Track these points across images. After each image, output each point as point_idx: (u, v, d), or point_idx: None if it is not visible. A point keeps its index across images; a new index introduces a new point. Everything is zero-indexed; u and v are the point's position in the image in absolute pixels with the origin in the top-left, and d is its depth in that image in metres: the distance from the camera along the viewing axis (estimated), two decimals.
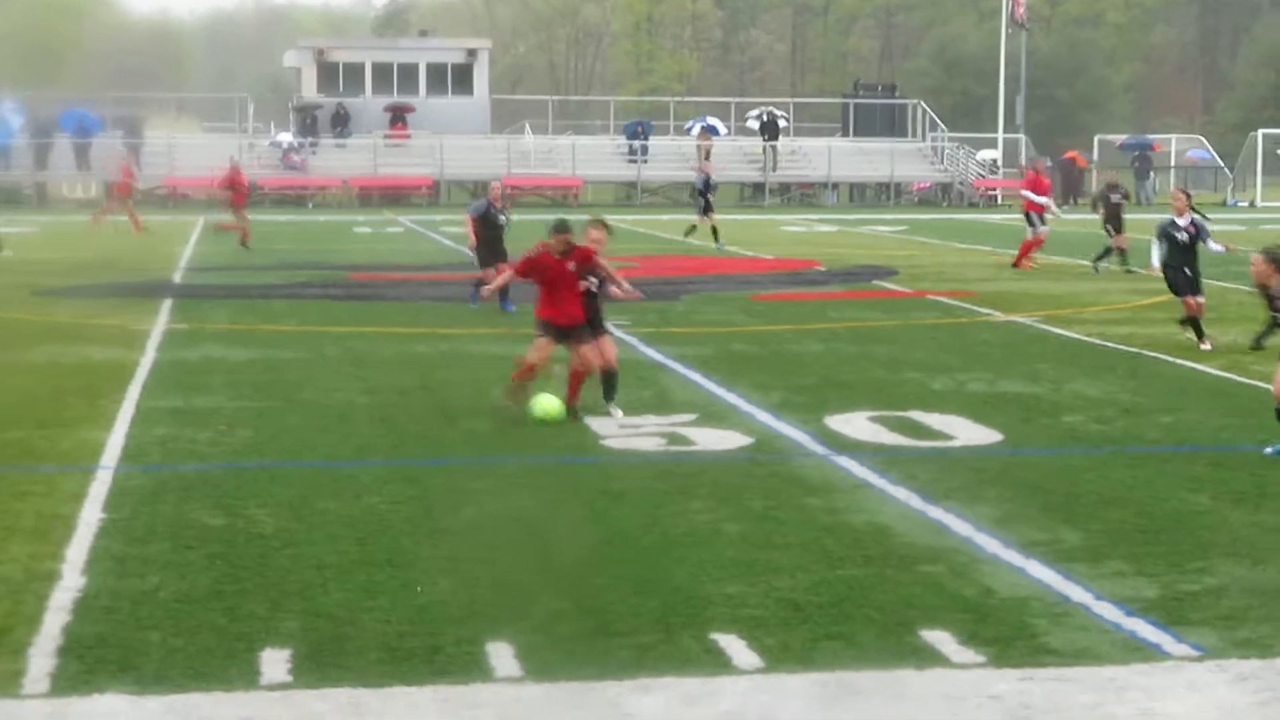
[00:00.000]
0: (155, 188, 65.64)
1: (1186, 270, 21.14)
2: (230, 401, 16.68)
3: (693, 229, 41.88)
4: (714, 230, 41.18)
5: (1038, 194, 35.05)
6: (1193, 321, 21.00)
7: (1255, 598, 9.76)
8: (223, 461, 13.71)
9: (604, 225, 16.42)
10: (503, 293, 24.64)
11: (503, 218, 24.93)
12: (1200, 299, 21.12)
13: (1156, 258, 21.60)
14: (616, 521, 11.60)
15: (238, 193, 41.49)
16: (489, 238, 24.85)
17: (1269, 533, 11.35)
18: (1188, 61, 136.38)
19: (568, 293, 15.60)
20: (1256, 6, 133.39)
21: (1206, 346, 20.60)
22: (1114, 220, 33.36)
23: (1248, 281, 19.06)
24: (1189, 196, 22.02)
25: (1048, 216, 34.94)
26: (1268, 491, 12.62)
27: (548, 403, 15.28)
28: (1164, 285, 22.00)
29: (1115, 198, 33.69)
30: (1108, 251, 33.35)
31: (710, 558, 10.61)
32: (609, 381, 15.89)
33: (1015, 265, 34.24)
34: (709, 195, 42.14)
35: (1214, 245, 21.91)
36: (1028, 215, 35.17)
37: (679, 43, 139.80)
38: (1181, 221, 21.28)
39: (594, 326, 15.90)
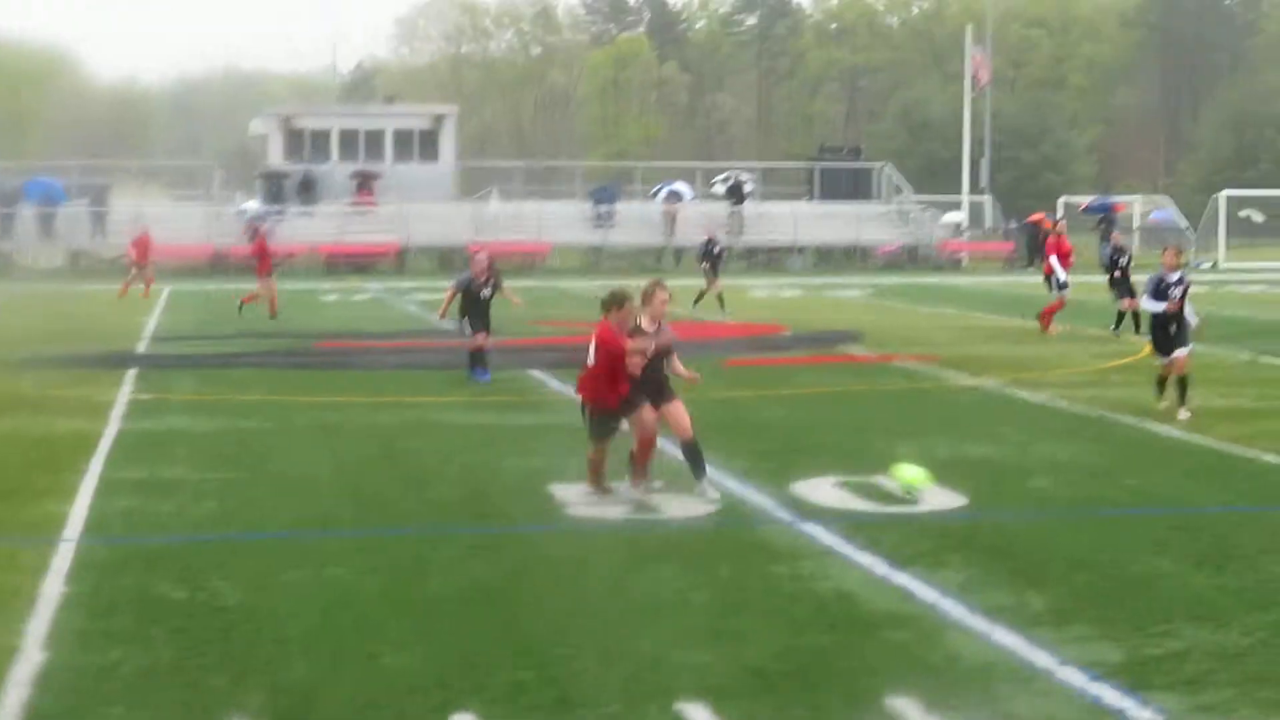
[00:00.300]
0: (120, 256, 65.51)
1: (1172, 327, 20.64)
2: (194, 473, 16.61)
3: (704, 295, 41.36)
4: (703, 295, 41.05)
5: (1058, 257, 35.15)
6: (1163, 381, 20.73)
7: (1218, 661, 9.77)
8: (186, 533, 13.66)
9: (665, 287, 15.39)
10: (480, 362, 24.63)
11: (486, 291, 24.68)
12: (1181, 354, 20.56)
13: (1154, 305, 20.77)
14: (581, 590, 11.58)
15: (264, 260, 41.17)
16: (475, 307, 24.63)
17: (1232, 596, 11.38)
18: (1150, 123, 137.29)
19: (623, 370, 14.53)
20: (1218, 68, 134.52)
21: (1186, 415, 20.08)
22: (1122, 284, 33.19)
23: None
24: (1180, 254, 21.64)
25: (1064, 279, 34.98)
26: (1231, 554, 12.65)
27: (911, 473, 14.76)
28: (1130, 348, 21.99)
29: (1122, 261, 33.65)
30: (1122, 316, 33.22)
31: (676, 626, 10.60)
32: (691, 455, 15.03)
33: (1044, 327, 34.20)
34: (717, 260, 42.20)
35: (1190, 314, 21.07)
36: (1047, 279, 35.29)
37: (645, 106, 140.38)
38: (1171, 278, 20.72)
39: (660, 393, 15.00)
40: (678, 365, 15.25)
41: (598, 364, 14.45)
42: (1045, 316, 34.52)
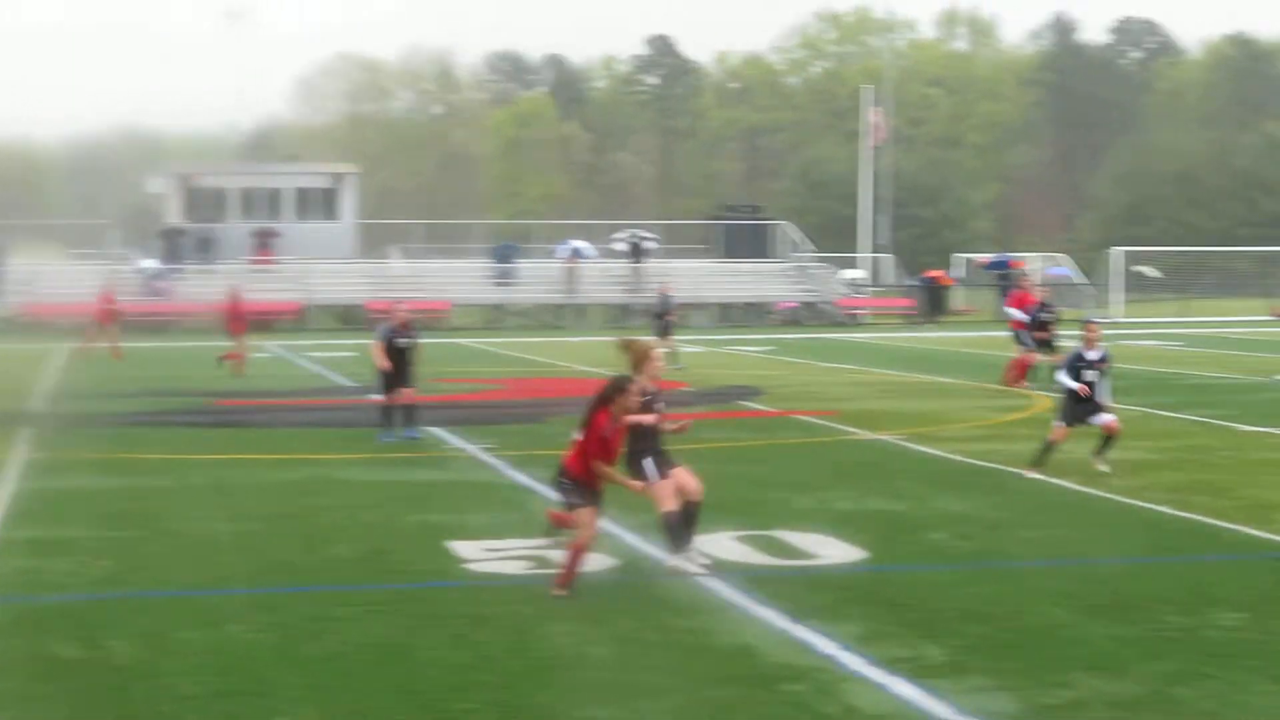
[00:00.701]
0: (17, 315, 65.00)
1: (1089, 402, 20.26)
2: (92, 532, 16.45)
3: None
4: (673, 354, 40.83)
5: (1022, 312, 34.93)
6: (1052, 446, 20.24)
7: (1114, 711, 9.87)
8: (83, 592, 13.52)
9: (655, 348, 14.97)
10: (388, 422, 24.47)
11: (403, 341, 24.57)
12: (1109, 419, 20.34)
13: (1066, 381, 20.37)
14: (481, 646, 11.54)
15: (238, 320, 40.86)
16: (394, 362, 24.47)
17: (1127, 645, 11.49)
18: (1048, 180, 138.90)
19: (614, 453, 13.74)
20: (1114, 127, 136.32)
21: (1105, 469, 20.00)
22: (1046, 340, 33.34)
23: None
24: (1100, 327, 21.11)
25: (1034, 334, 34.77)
26: (1127, 605, 12.77)
27: None
28: (1026, 402, 22.03)
29: (1046, 316, 33.82)
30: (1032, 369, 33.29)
31: (576, 681, 10.59)
32: (688, 521, 14.33)
33: (1009, 384, 33.45)
34: (668, 317, 42.10)
35: (1105, 394, 20.62)
36: (1016, 335, 34.79)
37: (547, 165, 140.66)
38: (1091, 355, 20.39)
39: (667, 462, 14.38)
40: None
41: (588, 439, 13.47)
42: (1016, 371, 34.12)
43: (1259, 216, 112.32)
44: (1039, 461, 20.23)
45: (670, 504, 14.12)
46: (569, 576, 13.18)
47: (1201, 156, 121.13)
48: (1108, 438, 20.38)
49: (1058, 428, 20.42)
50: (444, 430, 25.50)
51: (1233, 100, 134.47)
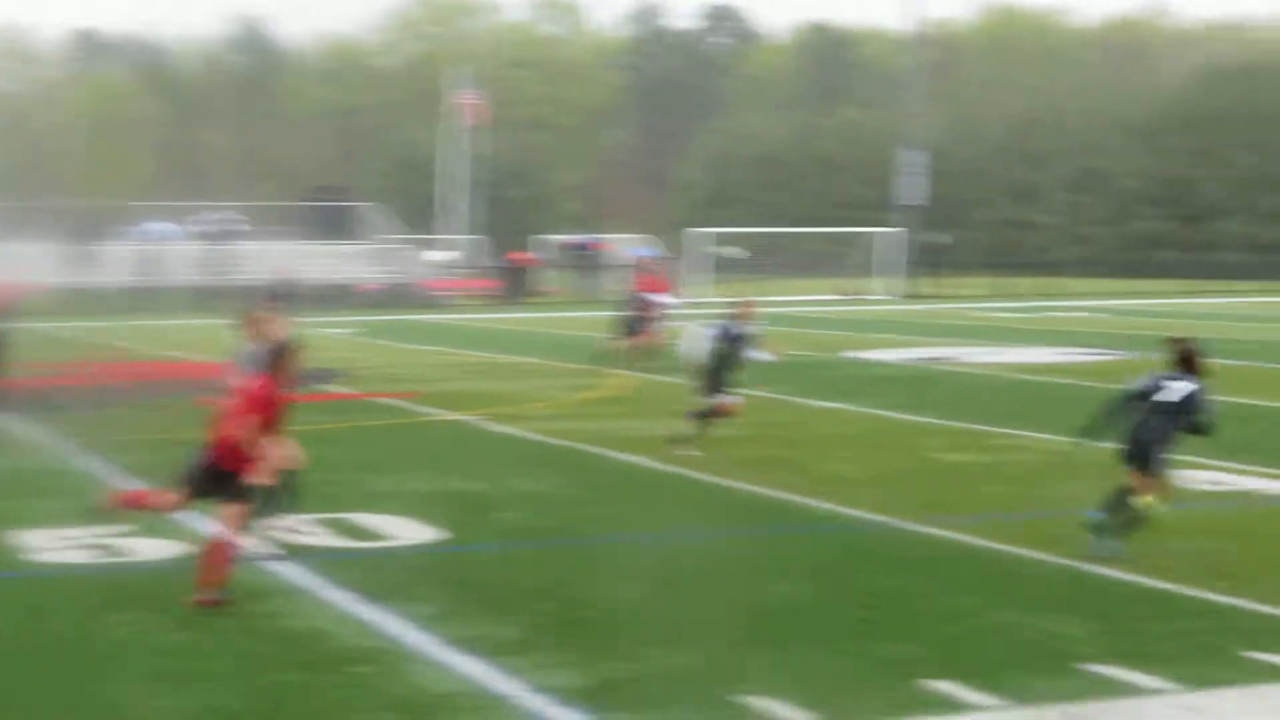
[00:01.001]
0: None
1: (722, 373, 20.48)
2: None
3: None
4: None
5: (656, 294, 35.76)
6: (701, 417, 20.41)
7: (678, 682, 10.08)
8: None
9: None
10: None
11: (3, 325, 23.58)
12: (740, 400, 20.72)
13: (695, 349, 20.66)
14: (42, 637, 11.21)
15: None
16: None
17: (693, 617, 11.75)
18: (637, 163, 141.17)
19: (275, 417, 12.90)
20: (699, 111, 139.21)
21: (693, 453, 19.85)
22: (632, 325, 33.96)
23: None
24: (753, 304, 21.39)
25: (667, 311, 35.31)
26: (695, 578, 13.08)
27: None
28: (606, 380, 22.30)
29: (636, 303, 34.49)
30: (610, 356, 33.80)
31: (139, 670, 10.38)
32: (285, 492, 14.00)
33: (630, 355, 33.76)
34: (284, 299, 40.86)
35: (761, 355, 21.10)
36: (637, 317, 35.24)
37: (132, 144, 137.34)
38: (739, 330, 20.61)
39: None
40: None
41: (252, 401, 12.64)
42: (635, 350, 34.39)
43: (837, 198, 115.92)
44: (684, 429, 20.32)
45: (270, 479, 13.78)
46: (217, 579, 12.25)
47: (784, 141, 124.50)
48: (719, 423, 20.49)
49: (708, 404, 20.36)
50: (14, 417, 24.68)
51: (815, 86, 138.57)
